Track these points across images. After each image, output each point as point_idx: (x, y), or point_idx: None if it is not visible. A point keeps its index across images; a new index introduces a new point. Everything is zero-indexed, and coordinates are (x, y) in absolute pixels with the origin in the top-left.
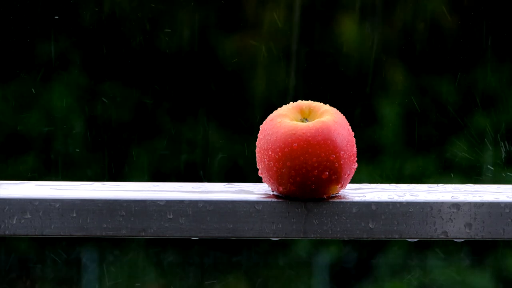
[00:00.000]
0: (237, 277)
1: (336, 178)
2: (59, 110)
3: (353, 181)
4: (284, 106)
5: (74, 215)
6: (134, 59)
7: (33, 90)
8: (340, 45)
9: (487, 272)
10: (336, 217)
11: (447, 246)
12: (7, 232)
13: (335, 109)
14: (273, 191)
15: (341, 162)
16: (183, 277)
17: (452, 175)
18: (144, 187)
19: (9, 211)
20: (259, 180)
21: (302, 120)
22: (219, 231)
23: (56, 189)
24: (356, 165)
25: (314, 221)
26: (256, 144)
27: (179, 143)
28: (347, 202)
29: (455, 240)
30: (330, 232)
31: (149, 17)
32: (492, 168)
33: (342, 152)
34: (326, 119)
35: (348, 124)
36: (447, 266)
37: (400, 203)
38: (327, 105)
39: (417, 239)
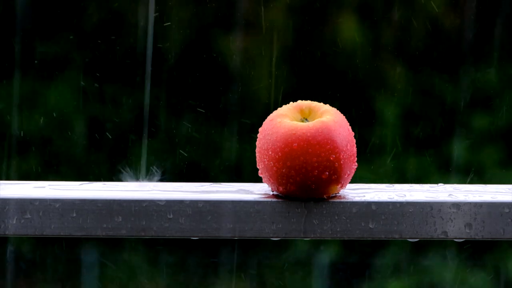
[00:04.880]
0: (237, 277)
1: (336, 178)
2: (59, 110)
3: (353, 181)
4: (284, 106)
5: (74, 215)
6: (134, 59)
7: (33, 90)
8: (339, 44)
9: (486, 272)
10: (336, 217)
11: (447, 246)
12: (7, 232)
13: (335, 109)
14: (273, 191)
15: (341, 162)
16: (183, 277)
17: (452, 175)
18: (144, 187)
19: (9, 211)
20: (259, 180)
21: (302, 120)
22: (219, 231)
23: (56, 189)
24: (356, 165)
25: (314, 221)
26: (256, 144)
27: (178, 143)
28: (347, 202)
29: (455, 240)
30: (330, 232)
31: (149, 17)
32: (492, 168)
33: (342, 152)
34: (326, 119)
35: (348, 124)
36: (447, 266)
37: (400, 203)
38: (327, 105)
39: (417, 239)
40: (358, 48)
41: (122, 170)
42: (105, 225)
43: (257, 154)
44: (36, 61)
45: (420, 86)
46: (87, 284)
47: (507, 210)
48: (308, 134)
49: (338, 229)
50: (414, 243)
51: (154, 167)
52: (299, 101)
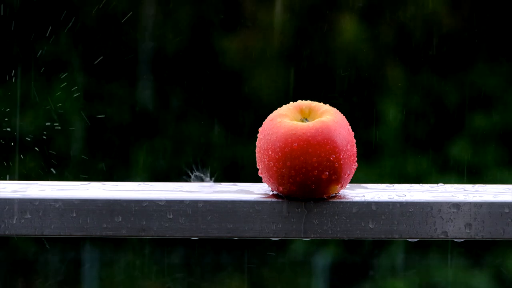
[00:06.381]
0: (237, 277)
1: (336, 178)
2: (59, 110)
3: (353, 181)
4: (284, 106)
5: (74, 215)
6: (134, 59)
7: (33, 90)
8: (339, 45)
9: (487, 272)
10: (336, 217)
11: (447, 246)
12: (7, 232)
13: (335, 109)
14: (273, 191)
15: (341, 162)
16: (183, 277)
17: (452, 175)
18: (144, 187)
19: (9, 211)
20: (259, 180)
21: (302, 120)
22: (219, 231)
23: (56, 189)
24: (356, 165)
25: (314, 221)
26: (256, 144)
27: (179, 143)
28: (347, 202)
29: (455, 240)
30: (330, 232)
31: (149, 17)
32: (492, 168)
33: (342, 152)
34: (326, 119)
35: (348, 124)
36: (447, 266)
37: (400, 203)
38: (327, 105)
39: (417, 239)
40: (358, 48)
41: (122, 170)
42: (105, 225)
43: (257, 154)
44: (36, 61)
45: (420, 87)
46: (87, 284)
47: (507, 210)
48: (308, 134)
49: (338, 229)
50: (414, 243)
51: (154, 167)
52: (299, 101)
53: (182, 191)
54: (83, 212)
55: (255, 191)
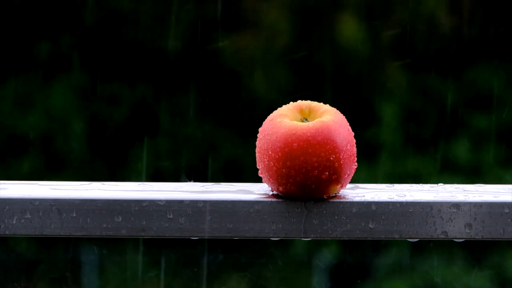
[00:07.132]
0: (237, 277)
1: (336, 178)
2: (59, 110)
3: (353, 181)
4: (284, 106)
5: (74, 215)
6: (134, 59)
7: (33, 90)
8: (340, 45)
9: (487, 272)
10: (336, 217)
11: (447, 246)
12: (7, 232)
13: (335, 109)
14: (273, 191)
15: (341, 162)
16: (183, 277)
17: (452, 175)
18: (144, 187)
19: (9, 211)
20: (259, 180)
21: (302, 120)
22: (219, 231)
23: (56, 189)
24: (356, 165)
25: (314, 221)
26: (256, 144)
27: (179, 143)
28: (347, 202)
29: (455, 240)
30: (330, 232)
31: (149, 17)
32: (492, 168)
33: (342, 152)
34: (326, 119)
35: (348, 124)
36: (447, 266)
37: (400, 203)
38: (327, 105)
39: (417, 239)
40: (358, 48)
41: (122, 170)
42: (105, 225)
43: (257, 154)
44: (36, 61)
45: (420, 86)
46: (87, 284)
47: (507, 210)
48: (308, 134)
49: (338, 229)
50: (414, 243)
51: (154, 167)
52: (299, 101)
53: (182, 191)
54: (83, 212)
55: (255, 191)
